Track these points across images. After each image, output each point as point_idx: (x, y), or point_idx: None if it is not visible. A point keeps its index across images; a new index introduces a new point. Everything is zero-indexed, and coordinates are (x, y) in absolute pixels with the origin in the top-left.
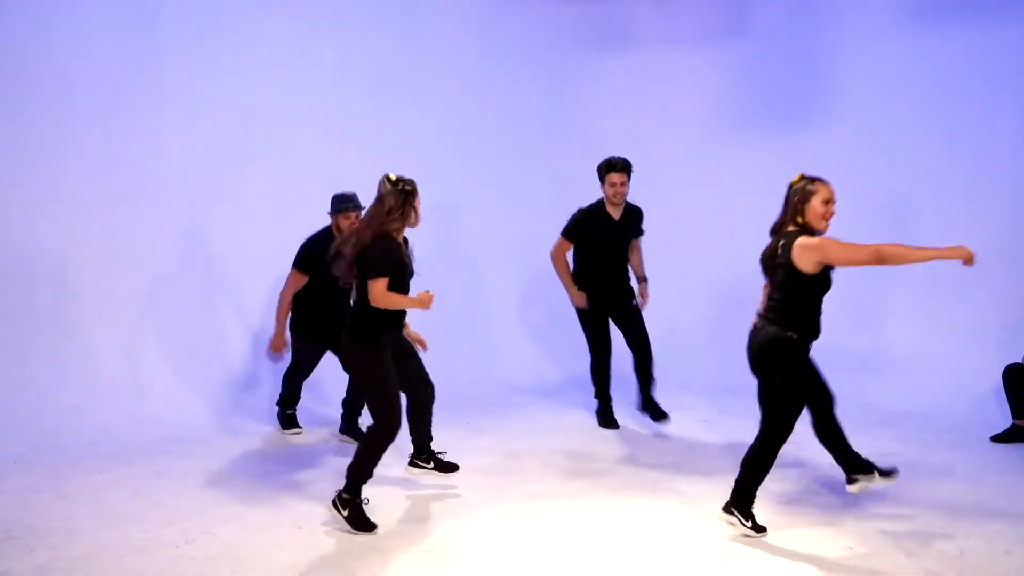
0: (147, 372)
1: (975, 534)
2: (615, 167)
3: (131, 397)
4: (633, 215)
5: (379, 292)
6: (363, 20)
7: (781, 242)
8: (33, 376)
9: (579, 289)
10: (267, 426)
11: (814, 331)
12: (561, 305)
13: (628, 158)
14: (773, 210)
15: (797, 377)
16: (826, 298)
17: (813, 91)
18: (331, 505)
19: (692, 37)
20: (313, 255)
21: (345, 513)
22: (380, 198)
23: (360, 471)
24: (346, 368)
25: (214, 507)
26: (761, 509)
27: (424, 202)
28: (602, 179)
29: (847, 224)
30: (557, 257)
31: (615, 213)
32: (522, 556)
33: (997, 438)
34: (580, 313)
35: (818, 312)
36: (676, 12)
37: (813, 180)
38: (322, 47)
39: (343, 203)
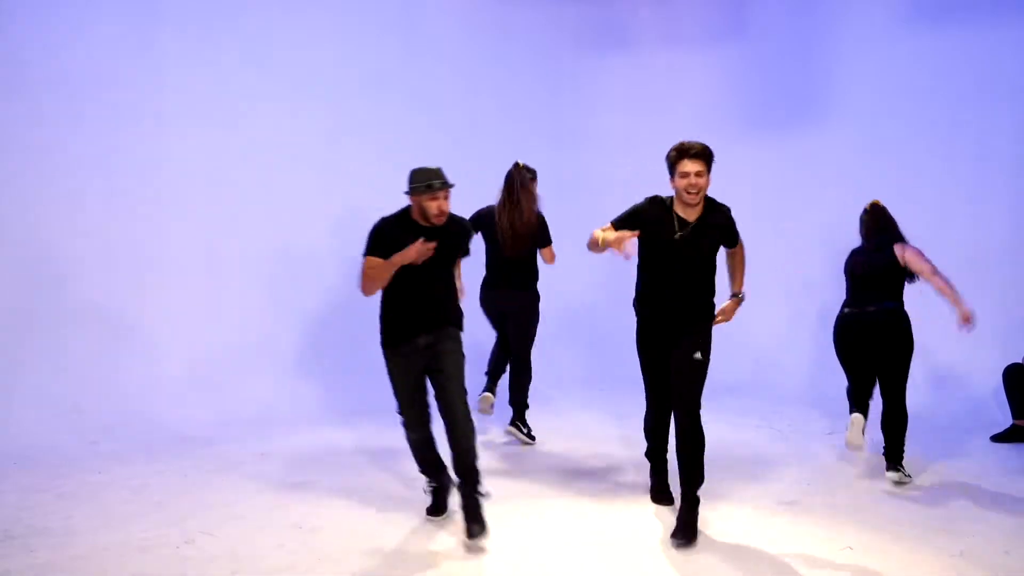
0: (147, 372)
1: (975, 534)
2: (687, 152)
3: (131, 397)
4: (716, 217)
5: (553, 254)
6: (363, 20)
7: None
8: (33, 376)
9: (640, 322)
10: (266, 426)
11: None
12: (561, 305)
13: (629, 156)
14: (772, 209)
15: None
16: (827, 299)
17: (813, 91)
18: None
19: (692, 37)
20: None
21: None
22: (527, 183)
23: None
24: (518, 313)
25: (214, 507)
26: (761, 509)
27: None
28: (672, 170)
29: (847, 224)
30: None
31: (689, 214)
32: (523, 556)
33: (997, 438)
34: (638, 354)
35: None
36: (676, 12)
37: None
38: (322, 46)
39: (436, 179)
